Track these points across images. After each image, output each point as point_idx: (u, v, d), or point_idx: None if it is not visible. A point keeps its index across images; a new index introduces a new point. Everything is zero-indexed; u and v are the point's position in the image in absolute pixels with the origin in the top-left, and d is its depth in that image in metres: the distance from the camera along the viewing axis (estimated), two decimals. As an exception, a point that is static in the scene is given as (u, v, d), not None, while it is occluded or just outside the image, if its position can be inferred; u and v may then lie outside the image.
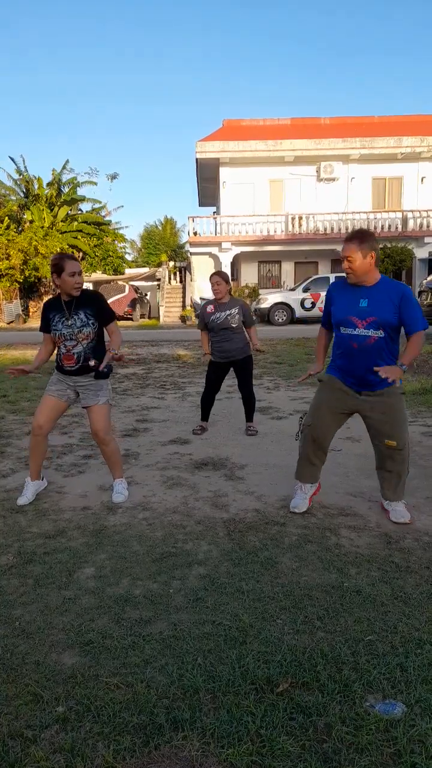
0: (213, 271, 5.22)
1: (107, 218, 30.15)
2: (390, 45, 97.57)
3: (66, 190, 28.18)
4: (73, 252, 25.92)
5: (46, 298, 26.50)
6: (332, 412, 3.00)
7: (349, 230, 21.18)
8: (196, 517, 3.07)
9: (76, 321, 3.17)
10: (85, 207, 29.59)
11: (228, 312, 4.69)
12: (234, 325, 4.71)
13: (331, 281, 18.01)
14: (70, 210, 27.64)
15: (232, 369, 4.93)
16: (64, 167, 28.00)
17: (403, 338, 2.86)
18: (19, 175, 27.35)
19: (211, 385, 4.93)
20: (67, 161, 30.78)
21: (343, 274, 2.93)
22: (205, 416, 5.04)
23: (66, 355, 3.23)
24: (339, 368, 2.98)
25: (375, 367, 2.69)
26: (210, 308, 4.77)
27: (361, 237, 2.72)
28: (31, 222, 25.93)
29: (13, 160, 27.54)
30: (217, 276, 4.69)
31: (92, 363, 3.20)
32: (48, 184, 27.21)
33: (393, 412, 2.88)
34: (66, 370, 3.26)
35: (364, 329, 2.80)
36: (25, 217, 26.84)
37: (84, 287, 3.23)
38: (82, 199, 28.40)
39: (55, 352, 3.35)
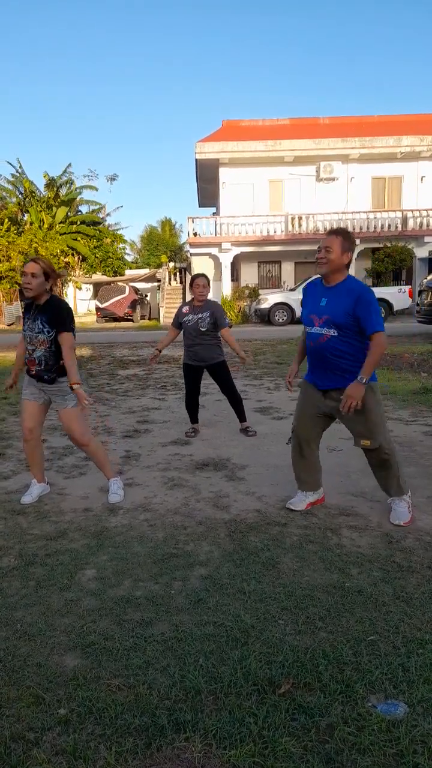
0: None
1: (105, 219, 30.15)
2: (389, 44, 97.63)
3: (64, 191, 28.21)
4: (72, 253, 25.94)
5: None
6: (311, 414, 3.05)
7: (349, 230, 21.26)
8: (198, 518, 3.07)
9: (34, 326, 3.19)
10: (84, 209, 29.63)
11: (199, 315, 4.69)
12: (203, 329, 4.68)
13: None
14: (69, 212, 27.65)
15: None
16: (65, 170, 28.04)
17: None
18: (16, 177, 27.38)
19: (190, 388, 4.93)
20: (69, 165, 30.79)
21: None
22: (193, 419, 5.02)
23: (29, 359, 3.24)
24: (308, 369, 3.05)
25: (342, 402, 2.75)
26: (185, 309, 4.79)
27: (345, 234, 2.85)
28: (31, 224, 25.96)
29: (10, 164, 27.67)
30: (204, 278, 4.72)
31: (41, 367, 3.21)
32: (45, 186, 27.22)
33: (363, 411, 2.84)
34: (32, 374, 3.26)
35: (319, 327, 2.87)
36: (25, 218, 26.86)
37: (53, 295, 3.21)
38: (77, 196, 28.35)
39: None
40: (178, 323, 4.82)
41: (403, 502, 3.00)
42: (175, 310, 5.02)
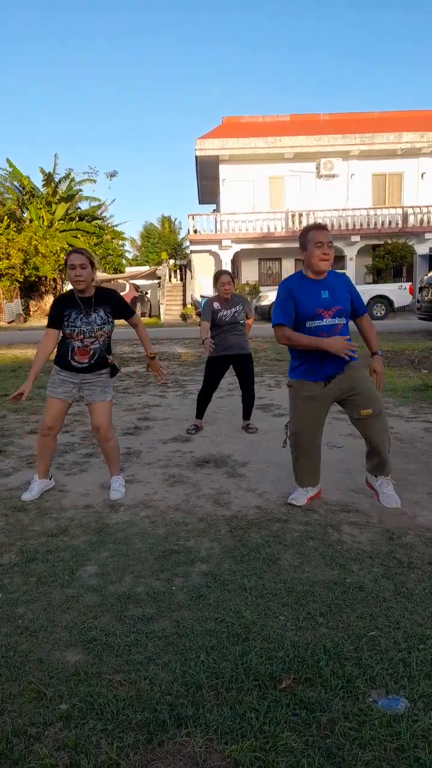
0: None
1: (104, 214, 30.09)
2: (390, 40, 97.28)
3: (63, 187, 28.13)
4: None
5: (47, 298, 26.65)
6: (311, 415, 3.05)
7: (350, 227, 21.24)
8: (198, 515, 3.08)
9: (96, 319, 3.19)
10: (84, 206, 29.58)
11: (235, 309, 4.78)
12: (241, 321, 4.88)
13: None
14: (69, 209, 27.58)
15: (232, 367, 4.93)
16: (55, 163, 28.06)
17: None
18: (12, 175, 27.28)
19: (211, 383, 4.92)
20: (56, 155, 30.89)
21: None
22: (200, 414, 5.01)
23: (81, 350, 3.20)
24: (308, 365, 3.00)
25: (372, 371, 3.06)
26: (216, 305, 4.79)
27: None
28: (31, 221, 25.90)
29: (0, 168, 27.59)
30: (227, 275, 4.76)
31: (110, 359, 3.27)
32: (43, 183, 27.14)
33: (361, 384, 2.96)
34: (76, 366, 3.24)
35: (332, 319, 2.93)
36: (25, 215, 26.79)
37: (97, 286, 3.27)
38: (77, 193, 28.28)
39: (57, 348, 3.30)
40: (210, 316, 4.78)
41: (389, 483, 3.06)
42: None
